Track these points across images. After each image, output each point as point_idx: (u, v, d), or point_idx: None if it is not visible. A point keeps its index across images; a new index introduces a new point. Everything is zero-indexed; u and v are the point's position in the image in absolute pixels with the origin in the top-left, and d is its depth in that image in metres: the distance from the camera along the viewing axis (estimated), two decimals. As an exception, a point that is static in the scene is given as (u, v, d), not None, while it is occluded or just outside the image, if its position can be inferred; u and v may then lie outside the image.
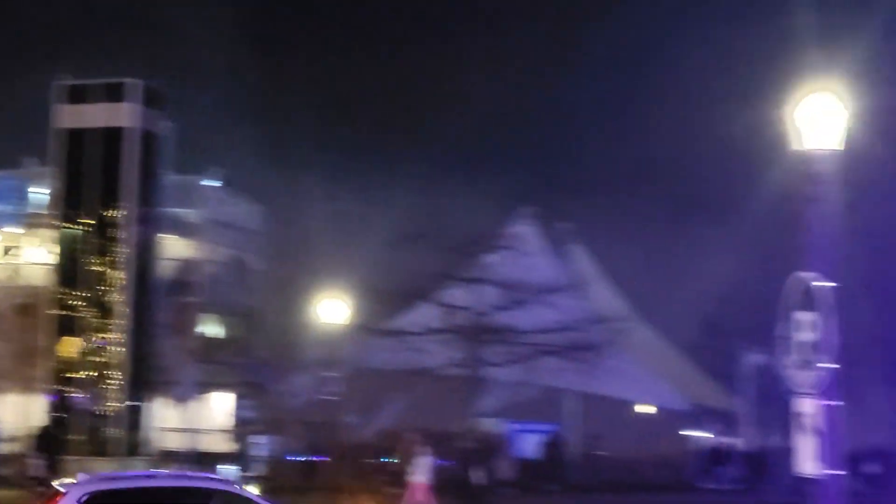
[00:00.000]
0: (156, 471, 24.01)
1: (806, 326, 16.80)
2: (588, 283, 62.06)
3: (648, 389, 64.32)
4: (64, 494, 20.02)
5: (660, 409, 66.58)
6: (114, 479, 21.89)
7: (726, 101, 57.47)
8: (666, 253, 71.19)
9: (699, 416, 67.42)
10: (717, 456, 61.53)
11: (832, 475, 16.44)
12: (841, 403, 16.59)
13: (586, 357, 51.16)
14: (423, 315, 52.15)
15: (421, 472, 33.97)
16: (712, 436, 66.68)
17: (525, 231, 59.46)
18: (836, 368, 16.41)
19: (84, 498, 19.93)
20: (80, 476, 21.22)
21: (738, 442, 62.38)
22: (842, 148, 16.97)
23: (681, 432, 67.38)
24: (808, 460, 16.76)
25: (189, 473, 24.28)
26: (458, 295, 50.98)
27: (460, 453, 48.03)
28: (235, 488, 21.47)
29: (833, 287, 16.51)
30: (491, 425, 56.08)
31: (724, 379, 64.56)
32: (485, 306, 50.31)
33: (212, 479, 22.28)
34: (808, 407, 16.83)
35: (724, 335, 61.83)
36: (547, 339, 50.80)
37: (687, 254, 68.94)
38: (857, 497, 40.56)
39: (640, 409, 67.04)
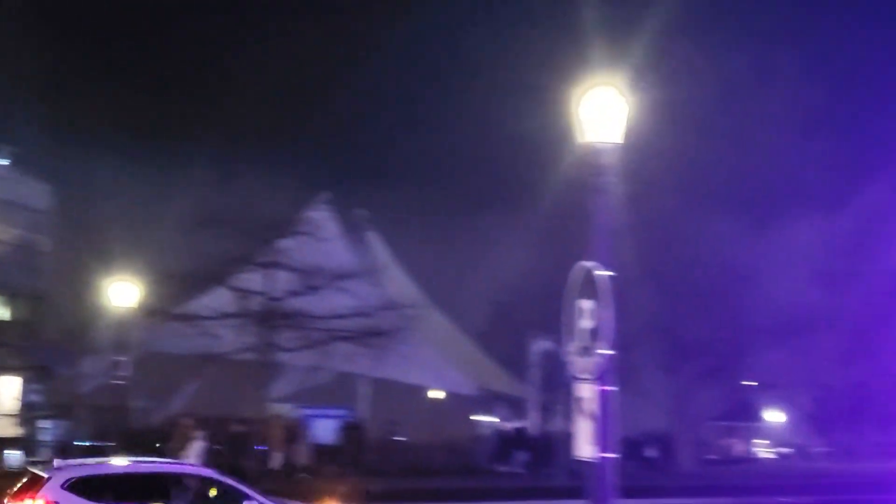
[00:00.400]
0: (136, 458, 25.37)
1: (586, 314, 17.33)
2: (382, 270, 62.55)
3: (439, 375, 65.18)
4: (47, 480, 21.14)
5: (450, 394, 67.50)
6: (94, 465, 23.11)
7: (520, 94, 58.39)
8: (460, 242, 72.18)
9: (489, 402, 68.61)
10: (507, 440, 62.68)
11: (607, 458, 17.05)
12: (616, 388, 17.21)
13: (379, 343, 51.64)
14: (216, 299, 51.78)
15: (192, 457, 33.99)
16: (501, 421, 67.92)
17: (321, 217, 59.46)
18: (612, 355, 17.01)
19: (67, 483, 21.04)
20: (57, 462, 22.51)
21: (526, 426, 63.62)
22: (622, 141, 17.57)
23: (471, 417, 68.45)
24: (585, 444, 17.31)
25: (168, 461, 25.30)
26: (252, 279, 50.82)
27: (240, 438, 48.05)
28: (214, 474, 22.71)
29: (612, 276, 17.10)
30: (284, 410, 56.06)
31: (513, 365, 65.79)
32: (279, 291, 50.28)
33: (190, 466, 24.18)
34: (586, 392, 17.38)
35: (514, 322, 63.06)
36: (341, 325, 51.07)
37: (481, 243, 70.07)
38: (637, 480, 41.98)
39: (432, 394, 67.86)
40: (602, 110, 17.51)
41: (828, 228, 69.97)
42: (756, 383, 77.45)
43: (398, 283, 64.64)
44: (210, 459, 35.13)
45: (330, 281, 50.97)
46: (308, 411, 58.84)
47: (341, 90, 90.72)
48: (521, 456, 59.14)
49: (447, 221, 73.72)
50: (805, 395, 78.33)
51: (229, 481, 22.51)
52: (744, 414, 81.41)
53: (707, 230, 60.90)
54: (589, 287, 17.32)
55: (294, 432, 52.99)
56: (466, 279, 70.00)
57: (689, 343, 63.49)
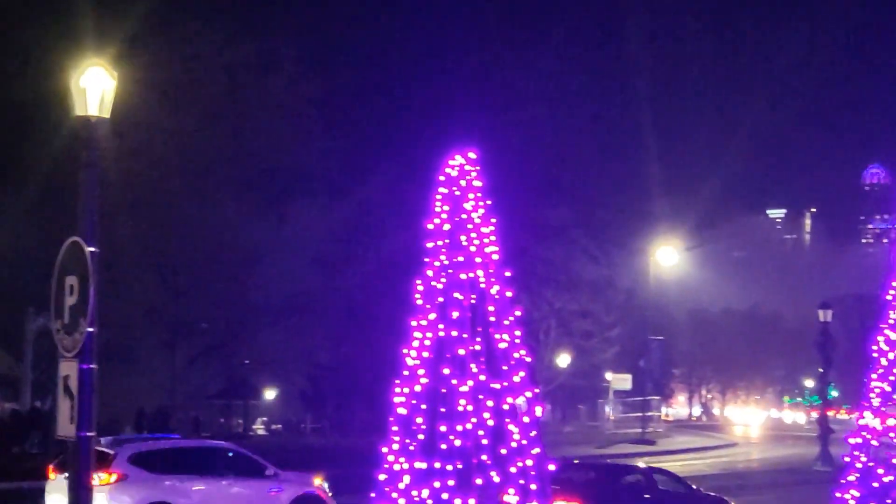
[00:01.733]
0: (178, 436, 31.31)
1: (73, 290, 17.17)
2: None
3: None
4: (114, 455, 24.10)
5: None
6: (150, 441, 26.69)
7: (28, 64, 56.36)
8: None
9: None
10: (18, 421, 60.77)
11: (85, 436, 16.99)
12: (95, 366, 17.14)
13: None
14: None
15: None
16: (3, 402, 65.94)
17: None
18: (94, 332, 16.93)
19: (132, 458, 24.32)
20: (104, 439, 24.71)
21: (31, 407, 62.04)
22: (108, 116, 17.60)
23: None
24: (66, 422, 17.18)
25: (206, 438, 32.78)
26: None
27: None
28: (239, 449, 27.85)
29: (95, 252, 16.99)
30: None
31: (9, 343, 63.90)
32: None
33: (221, 441, 29.14)
34: (69, 370, 17.25)
35: (9, 298, 61.14)
36: None
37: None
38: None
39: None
40: (91, 85, 17.43)
41: (329, 215, 72.72)
42: (249, 362, 79.02)
43: None
44: None
45: None
46: None
47: None
48: (36, 436, 57.50)
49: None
50: (300, 373, 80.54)
51: (251, 455, 26.89)
52: (241, 391, 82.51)
53: (212, 212, 61.47)
54: (75, 263, 17.17)
55: None
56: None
57: (187, 322, 63.88)
